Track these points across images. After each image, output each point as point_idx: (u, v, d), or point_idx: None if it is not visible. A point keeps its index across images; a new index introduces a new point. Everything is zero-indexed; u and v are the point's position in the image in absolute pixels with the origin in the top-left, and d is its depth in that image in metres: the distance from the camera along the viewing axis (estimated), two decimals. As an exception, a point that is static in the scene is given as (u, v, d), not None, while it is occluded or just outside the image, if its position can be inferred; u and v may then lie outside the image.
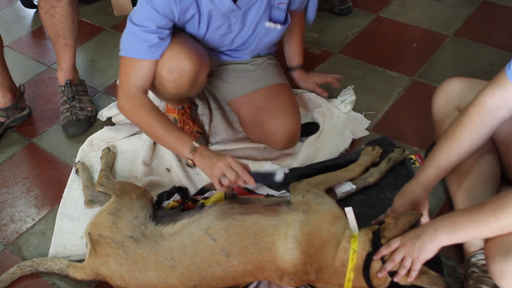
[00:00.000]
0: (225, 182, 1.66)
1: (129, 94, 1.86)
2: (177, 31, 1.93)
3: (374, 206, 1.92)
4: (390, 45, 2.75)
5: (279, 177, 1.69)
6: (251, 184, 1.66)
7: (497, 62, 2.53)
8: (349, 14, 2.98)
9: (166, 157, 2.19)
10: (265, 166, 2.09)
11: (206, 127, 2.30)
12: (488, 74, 2.06)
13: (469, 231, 1.41)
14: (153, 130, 1.84)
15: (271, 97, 2.13)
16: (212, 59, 2.12)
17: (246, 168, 1.67)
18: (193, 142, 1.76)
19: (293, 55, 2.34)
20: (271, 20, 1.96)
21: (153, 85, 1.97)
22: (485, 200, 1.42)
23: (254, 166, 2.11)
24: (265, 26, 1.96)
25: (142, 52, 1.83)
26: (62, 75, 2.49)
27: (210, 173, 1.70)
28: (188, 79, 1.91)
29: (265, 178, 1.75)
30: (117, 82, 2.60)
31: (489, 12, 2.90)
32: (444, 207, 1.92)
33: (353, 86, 2.46)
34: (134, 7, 3.00)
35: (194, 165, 1.76)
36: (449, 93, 1.84)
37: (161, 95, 2.04)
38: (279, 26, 1.98)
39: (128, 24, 1.85)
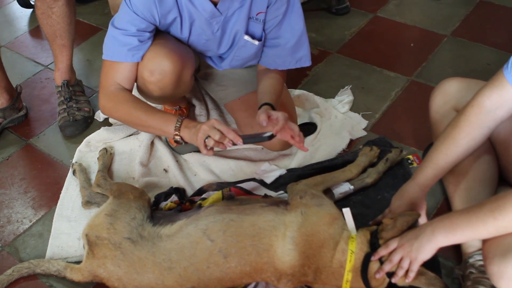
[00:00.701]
0: (210, 143, 1.64)
1: (107, 92, 1.86)
2: (160, 33, 1.92)
3: (371, 206, 1.92)
4: (387, 45, 2.75)
5: (267, 134, 1.67)
6: (238, 143, 1.62)
7: (494, 61, 2.54)
8: (346, 13, 2.98)
9: (164, 157, 2.19)
10: (263, 167, 2.09)
11: (204, 128, 2.29)
12: (485, 73, 2.07)
13: (467, 232, 1.41)
14: (136, 118, 1.83)
15: None
16: (204, 61, 2.11)
17: (234, 130, 1.64)
18: (177, 118, 1.75)
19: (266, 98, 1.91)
20: (248, 33, 1.93)
21: (140, 89, 1.97)
22: (483, 201, 1.42)
23: (252, 167, 2.12)
24: (243, 38, 1.94)
25: (122, 55, 1.83)
26: (59, 76, 2.48)
27: (195, 139, 1.68)
28: (171, 80, 1.89)
29: (253, 137, 1.70)
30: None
31: (487, 12, 2.90)
32: (442, 207, 1.92)
33: (350, 86, 2.46)
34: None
35: (183, 140, 1.75)
36: (447, 93, 1.84)
37: (150, 98, 2.03)
38: (256, 42, 1.95)
39: (110, 27, 1.85)
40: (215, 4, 1.83)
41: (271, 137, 1.68)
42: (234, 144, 1.63)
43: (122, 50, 1.83)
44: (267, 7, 1.88)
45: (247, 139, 1.69)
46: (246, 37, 1.93)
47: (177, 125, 1.74)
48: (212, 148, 1.66)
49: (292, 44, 1.96)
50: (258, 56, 2.03)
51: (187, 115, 2.26)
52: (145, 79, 1.88)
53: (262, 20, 1.91)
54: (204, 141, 1.65)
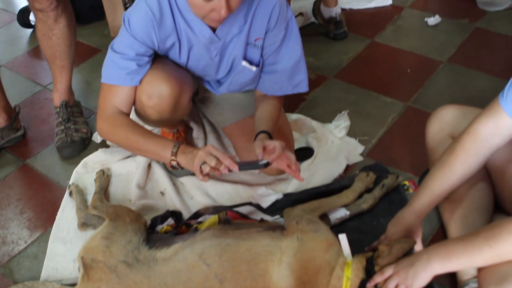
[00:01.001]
0: (206, 169, 1.64)
1: (105, 116, 1.87)
2: (159, 57, 1.93)
3: (367, 232, 1.92)
4: (384, 70, 2.77)
5: (263, 161, 1.67)
6: (234, 170, 1.63)
7: (490, 88, 2.55)
8: (344, 39, 3.00)
9: (160, 180, 2.19)
10: (259, 192, 2.09)
11: (201, 151, 2.30)
12: (481, 100, 2.07)
13: (463, 260, 1.41)
14: (133, 143, 1.83)
15: None
16: (202, 85, 2.13)
17: (231, 157, 1.65)
18: (174, 143, 1.76)
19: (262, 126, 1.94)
20: (246, 59, 1.95)
21: (138, 112, 1.98)
22: (478, 229, 1.43)
23: (248, 191, 2.12)
24: (241, 64, 1.95)
25: (121, 78, 1.84)
26: (58, 97, 2.49)
27: (192, 165, 1.68)
28: (169, 104, 1.90)
29: (249, 165, 1.70)
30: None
31: (482, 39, 2.93)
32: (437, 234, 1.93)
33: (347, 111, 2.47)
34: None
35: (179, 165, 1.75)
36: (443, 120, 1.85)
37: (148, 122, 2.04)
38: (254, 68, 1.96)
39: (109, 51, 1.86)
40: (214, 30, 1.85)
41: (267, 165, 1.69)
42: (230, 170, 1.64)
43: (120, 74, 1.84)
44: (266, 33, 1.90)
45: (243, 166, 1.69)
46: (244, 63, 1.95)
47: (173, 150, 1.75)
48: (207, 174, 1.67)
49: (289, 70, 1.97)
50: (256, 81, 2.04)
51: (184, 138, 2.27)
52: (143, 103, 1.89)
53: (260, 46, 1.93)
54: (200, 167, 1.66)
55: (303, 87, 2.03)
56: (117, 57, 1.83)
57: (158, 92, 1.86)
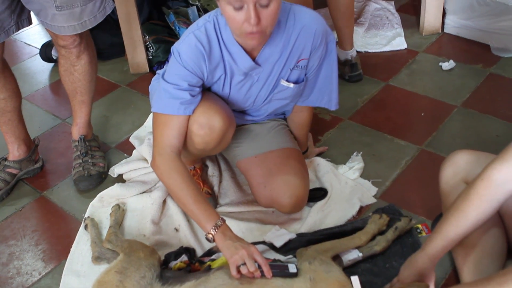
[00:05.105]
0: (244, 271, 1.67)
1: (165, 154, 1.88)
2: (206, 90, 1.99)
3: (380, 274, 1.92)
4: (398, 113, 2.79)
5: (292, 270, 1.71)
6: (269, 277, 1.67)
7: (504, 133, 2.56)
8: (359, 81, 3.03)
9: (175, 216, 2.21)
10: (273, 231, 2.10)
11: (216, 188, 2.32)
12: (494, 145, 2.09)
13: (476, 305, 1.41)
14: (182, 196, 1.85)
15: (282, 160, 2.15)
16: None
17: (267, 264, 1.70)
18: (218, 219, 1.79)
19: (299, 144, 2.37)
20: (288, 80, 2.02)
21: None
22: (491, 275, 1.43)
23: (262, 230, 2.13)
24: (281, 83, 2.02)
25: (175, 108, 1.88)
26: (77, 131, 2.53)
27: (229, 256, 1.71)
28: (218, 136, 1.95)
29: (280, 271, 1.72)
30: (134, 138, 2.65)
31: (496, 84, 2.95)
32: (450, 279, 1.92)
33: (361, 152, 2.49)
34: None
35: (214, 241, 1.78)
36: (457, 165, 1.87)
37: (185, 151, 2.05)
38: (291, 85, 2.03)
39: (161, 81, 1.91)
40: (254, 58, 1.91)
41: (296, 274, 1.71)
42: (263, 275, 1.68)
43: (174, 104, 1.87)
44: (310, 53, 1.98)
45: (276, 273, 1.71)
46: (282, 82, 2.02)
47: (215, 225, 1.77)
48: (240, 272, 1.69)
49: (323, 87, 2.13)
50: (295, 101, 2.15)
51: (200, 176, 2.29)
52: (193, 132, 1.93)
53: (304, 66, 2.00)
54: (238, 266, 1.69)
55: (332, 106, 2.17)
56: (170, 87, 1.87)
57: (210, 123, 1.91)
